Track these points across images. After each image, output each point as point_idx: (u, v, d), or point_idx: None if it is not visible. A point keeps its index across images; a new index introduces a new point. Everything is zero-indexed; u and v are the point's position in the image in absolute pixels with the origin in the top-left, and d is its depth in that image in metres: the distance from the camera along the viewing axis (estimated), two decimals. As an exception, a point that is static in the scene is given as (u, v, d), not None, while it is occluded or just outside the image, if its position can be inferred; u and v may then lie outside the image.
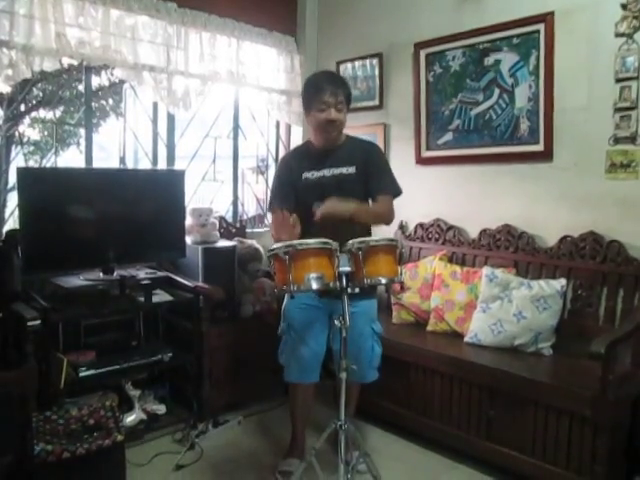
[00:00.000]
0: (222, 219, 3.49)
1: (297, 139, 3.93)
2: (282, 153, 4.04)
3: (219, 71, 3.33)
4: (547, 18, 2.69)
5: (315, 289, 1.84)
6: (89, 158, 3.07)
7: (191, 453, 2.58)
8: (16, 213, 2.60)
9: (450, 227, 3.21)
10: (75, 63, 2.83)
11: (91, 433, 2.10)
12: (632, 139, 2.49)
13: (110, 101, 7.48)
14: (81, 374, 2.49)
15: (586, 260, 2.62)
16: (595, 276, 2.59)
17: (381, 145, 3.49)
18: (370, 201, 2.34)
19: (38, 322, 2.24)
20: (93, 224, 2.73)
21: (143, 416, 2.72)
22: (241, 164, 3.88)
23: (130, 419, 2.67)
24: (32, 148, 7.43)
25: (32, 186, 2.51)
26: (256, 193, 4.18)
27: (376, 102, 3.56)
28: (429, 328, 2.90)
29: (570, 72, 2.67)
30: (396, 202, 2.35)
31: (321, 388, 2.43)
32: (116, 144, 3.43)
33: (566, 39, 2.67)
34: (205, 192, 3.80)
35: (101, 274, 2.72)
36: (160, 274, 2.93)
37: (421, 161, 3.34)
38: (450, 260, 3.10)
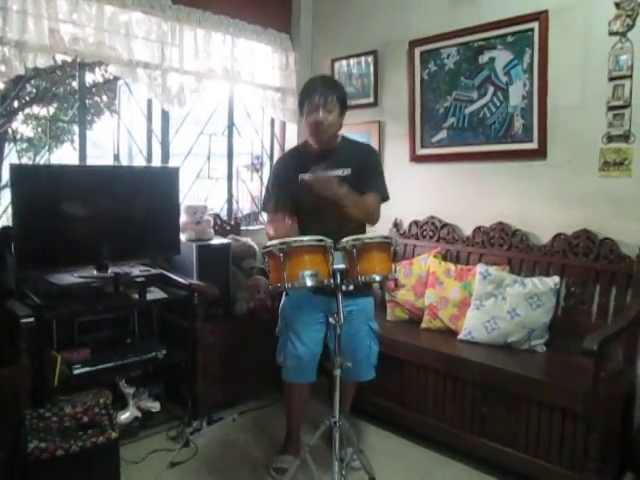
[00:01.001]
0: (217, 216, 3.49)
1: (292, 136, 3.93)
2: (277, 151, 4.04)
3: (214, 68, 3.32)
4: (541, 16, 2.70)
5: (309, 286, 1.84)
6: (83, 155, 3.06)
7: (185, 450, 2.59)
8: (9, 210, 2.59)
9: (444, 225, 3.21)
10: (69, 59, 2.81)
11: (85, 430, 2.10)
12: (625, 137, 2.50)
13: (104, 98, 7.45)
14: (75, 371, 2.48)
15: (579, 257, 2.64)
16: (588, 273, 2.60)
17: (376, 143, 3.50)
18: None
19: (32, 319, 2.23)
20: (87, 221, 2.72)
21: (137, 413, 2.72)
22: (236, 161, 3.88)
23: (124, 416, 2.67)
24: (25, 145, 7.39)
25: (25, 183, 2.50)
26: (251, 191, 4.18)
27: (371, 100, 3.57)
28: (423, 325, 2.91)
29: (564, 70, 2.68)
30: (390, 199, 2.36)
31: (316, 385, 2.44)
32: (110, 141, 3.42)
33: (560, 37, 2.68)
34: (200, 189, 3.79)
35: (95, 271, 2.71)
36: (154, 271, 2.93)
37: (415, 159, 3.35)
38: (444, 258, 3.11)
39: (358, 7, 3.60)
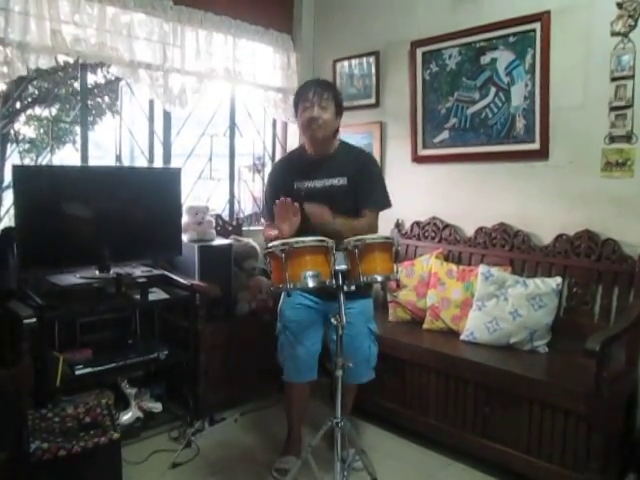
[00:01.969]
0: (218, 217, 3.49)
1: (293, 137, 3.92)
2: (278, 151, 4.04)
3: (215, 69, 3.33)
4: (543, 17, 2.69)
5: (311, 287, 1.84)
6: (85, 156, 3.06)
7: (187, 451, 2.59)
8: (12, 211, 2.60)
9: (446, 225, 3.21)
10: (71, 60, 2.82)
11: (87, 431, 2.10)
12: (627, 138, 2.50)
13: (106, 99, 7.45)
14: (77, 372, 2.48)
15: (581, 258, 2.63)
16: (590, 274, 2.60)
17: (377, 143, 3.50)
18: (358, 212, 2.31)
19: (34, 320, 2.23)
20: (89, 222, 2.72)
21: (139, 414, 2.72)
22: (237, 162, 3.88)
23: (126, 417, 2.67)
24: (28, 146, 7.40)
25: (28, 184, 2.50)
26: (252, 191, 4.18)
27: (372, 100, 3.57)
28: (425, 326, 2.91)
29: (566, 71, 2.68)
30: (392, 200, 2.35)
31: (318, 386, 2.44)
32: (112, 142, 3.43)
33: (562, 38, 2.67)
34: (201, 190, 3.79)
35: (97, 272, 2.71)
36: (156, 272, 2.93)
37: (417, 159, 3.35)
38: (446, 258, 3.11)
39: (360, 8, 3.60)
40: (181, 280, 2.89)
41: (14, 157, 6.77)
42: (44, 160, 7.21)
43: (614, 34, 2.50)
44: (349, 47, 3.66)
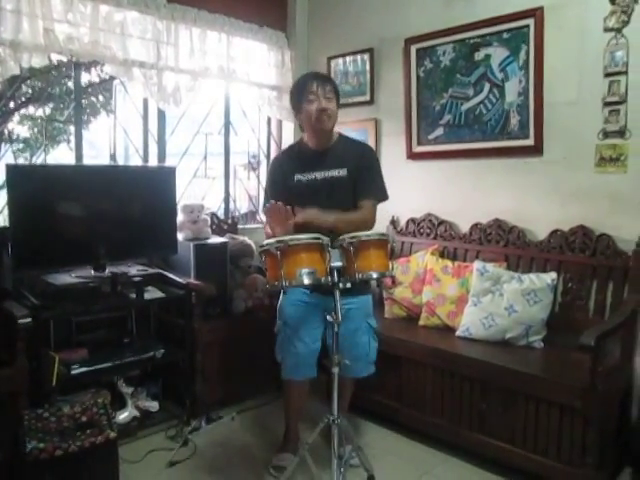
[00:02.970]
0: (214, 215, 3.49)
1: (288, 135, 3.92)
2: (273, 149, 4.04)
3: (209, 67, 3.32)
4: (536, 13, 2.70)
5: (307, 284, 1.84)
6: (79, 155, 3.06)
7: (184, 449, 2.58)
8: (6, 211, 2.59)
9: (441, 222, 3.22)
10: (64, 59, 2.81)
11: (84, 430, 2.10)
12: (621, 133, 2.51)
13: (100, 98, 7.44)
14: (73, 371, 2.48)
15: (576, 254, 2.64)
16: (585, 269, 2.61)
17: (372, 140, 3.50)
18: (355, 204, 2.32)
19: (29, 320, 2.22)
20: (84, 221, 2.72)
21: (136, 413, 2.72)
22: (232, 160, 3.87)
23: (123, 416, 2.67)
24: (21, 145, 7.38)
25: (22, 183, 2.49)
26: (248, 189, 4.18)
27: (367, 97, 3.57)
28: (421, 322, 2.91)
29: (560, 67, 2.68)
30: (388, 196, 2.36)
31: (315, 383, 2.44)
32: (106, 141, 3.43)
33: (555, 34, 2.68)
34: (197, 188, 3.79)
35: (92, 271, 2.71)
36: (152, 271, 2.92)
37: (412, 156, 3.35)
38: (441, 255, 3.11)
39: (353, 5, 3.60)
40: (177, 279, 2.88)
41: (8, 156, 6.76)
42: (38, 159, 7.20)
43: (607, 30, 2.50)
44: (343, 44, 3.66)
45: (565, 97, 2.68)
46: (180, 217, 3.12)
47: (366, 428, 2.82)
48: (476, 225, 3.04)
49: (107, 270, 2.73)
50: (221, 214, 3.72)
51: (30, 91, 7.08)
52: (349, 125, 3.52)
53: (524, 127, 2.83)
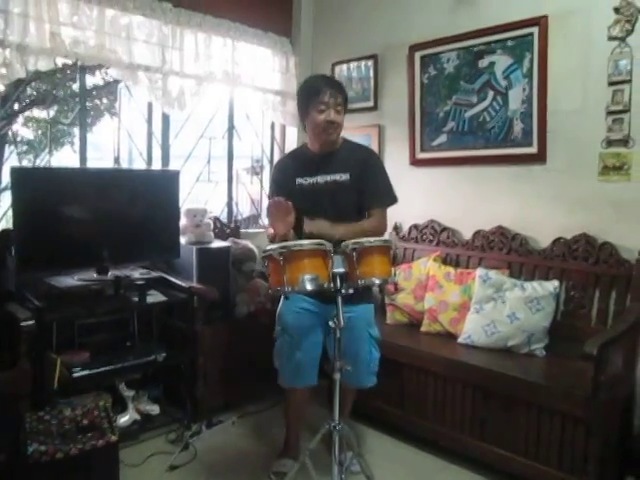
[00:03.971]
0: (216, 219, 3.49)
1: (292, 140, 3.93)
2: (277, 154, 4.04)
3: (214, 71, 3.33)
4: (541, 21, 2.71)
5: (310, 290, 1.84)
6: (83, 158, 3.07)
7: (185, 454, 2.58)
8: (9, 213, 2.60)
9: (444, 228, 3.22)
10: (69, 62, 2.82)
11: (85, 433, 2.10)
12: (624, 142, 2.51)
13: (104, 100, 7.46)
14: (75, 374, 2.47)
15: (579, 262, 2.64)
16: (588, 278, 2.60)
17: (376, 146, 3.50)
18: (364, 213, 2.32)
19: (32, 322, 2.23)
20: (87, 224, 2.72)
21: (137, 416, 2.72)
22: (236, 165, 3.89)
23: (124, 419, 2.67)
24: (26, 147, 7.41)
25: (26, 186, 2.50)
26: (251, 194, 4.19)
27: (371, 103, 3.57)
28: (423, 329, 2.91)
29: (563, 75, 2.69)
30: (397, 199, 2.35)
31: (316, 389, 2.43)
32: (110, 144, 3.44)
33: (560, 42, 2.69)
34: (200, 192, 3.80)
35: (95, 274, 2.71)
36: (154, 274, 2.93)
37: (415, 162, 3.35)
38: (444, 261, 3.11)
39: (358, 11, 3.61)
40: (179, 282, 2.89)
41: (12, 159, 6.78)
42: (42, 162, 7.22)
43: (611, 39, 2.51)
44: (348, 50, 3.67)
45: (569, 105, 2.68)
46: (183, 221, 3.12)
47: (367, 435, 2.82)
48: (479, 232, 3.04)
49: (110, 273, 2.74)
50: (224, 218, 3.73)
51: (35, 93, 7.11)
52: (353, 131, 3.52)
53: (527, 135, 2.83)
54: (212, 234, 3.22)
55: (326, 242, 1.86)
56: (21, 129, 7.30)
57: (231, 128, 3.75)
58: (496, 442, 2.38)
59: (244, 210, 4.34)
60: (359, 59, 3.61)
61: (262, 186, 4.08)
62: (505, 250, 2.92)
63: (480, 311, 2.69)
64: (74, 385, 2.47)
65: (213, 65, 3.32)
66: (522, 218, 2.89)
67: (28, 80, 5.29)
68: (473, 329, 2.67)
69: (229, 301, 3.10)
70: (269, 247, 1.87)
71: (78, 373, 2.49)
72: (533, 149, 2.82)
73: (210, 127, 3.74)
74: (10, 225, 2.57)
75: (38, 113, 7.34)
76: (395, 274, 1.97)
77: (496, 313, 2.63)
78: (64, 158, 7.13)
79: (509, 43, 2.86)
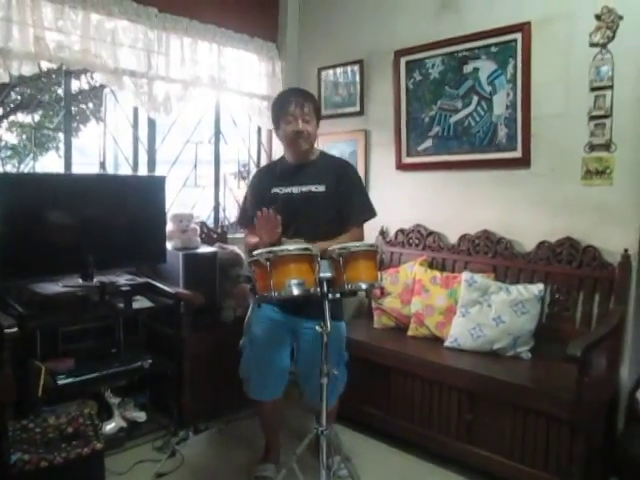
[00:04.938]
0: (203, 225, 3.48)
1: (278, 144, 3.88)
2: (264, 158, 4.05)
3: (200, 76, 3.33)
4: (524, 28, 2.74)
5: (296, 295, 1.84)
6: (68, 163, 3.04)
7: (172, 461, 2.57)
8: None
9: (430, 233, 3.24)
10: (54, 67, 2.80)
11: (69, 442, 2.08)
12: (606, 146, 2.55)
13: (90, 105, 7.41)
14: (59, 382, 2.45)
15: (563, 265, 2.67)
16: (572, 281, 2.63)
17: (362, 151, 3.52)
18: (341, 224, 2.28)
19: (15, 329, 2.20)
20: (72, 230, 2.70)
21: (123, 424, 2.70)
22: (222, 169, 3.88)
23: (110, 427, 2.65)
24: (10, 153, 7.33)
25: (9, 191, 2.48)
26: (238, 198, 4.17)
27: (357, 108, 3.59)
28: (410, 333, 2.92)
29: (546, 80, 2.72)
30: (377, 207, 2.35)
31: (295, 394, 2.42)
32: (96, 149, 3.41)
33: (542, 48, 2.72)
34: (186, 197, 3.78)
35: (80, 280, 2.69)
36: (140, 280, 2.91)
37: (401, 167, 3.37)
38: (430, 265, 3.13)
39: (344, 17, 3.63)
40: (165, 288, 2.87)
41: (-4, 164, 6.71)
42: (27, 167, 7.14)
43: (593, 45, 2.55)
44: (334, 55, 3.69)
45: (552, 110, 2.71)
46: (169, 226, 3.11)
47: (354, 439, 2.81)
48: (464, 236, 3.07)
49: (95, 279, 2.71)
50: (211, 223, 3.72)
51: (19, 98, 7.05)
52: (339, 136, 3.55)
53: (512, 139, 2.86)
54: (199, 239, 3.21)
55: (313, 247, 1.87)
56: (5, 134, 7.23)
57: (218, 133, 3.74)
58: (482, 444, 2.40)
59: (231, 215, 4.32)
60: (345, 64, 3.63)
61: (249, 191, 4.07)
62: (490, 254, 2.94)
63: (466, 315, 2.71)
64: (59, 393, 2.45)
65: (199, 70, 3.32)
66: (507, 222, 2.92)
67: (12, 85, 5.25)
68: (459, 333, 2.69)
69: (216, 306, 3.09)
70: (256, 252, 1.87)
71: (63, 380, 2.47)
72: (517, 153, 2.84)
73: (196, 132, 3.73)
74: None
75: (22, 118, 7.27)
76: (381, 279, 1.97)
77: (482, 316, 2.65)
78: (49, 163, 7.06)
79: (493, 49, 2.89)
